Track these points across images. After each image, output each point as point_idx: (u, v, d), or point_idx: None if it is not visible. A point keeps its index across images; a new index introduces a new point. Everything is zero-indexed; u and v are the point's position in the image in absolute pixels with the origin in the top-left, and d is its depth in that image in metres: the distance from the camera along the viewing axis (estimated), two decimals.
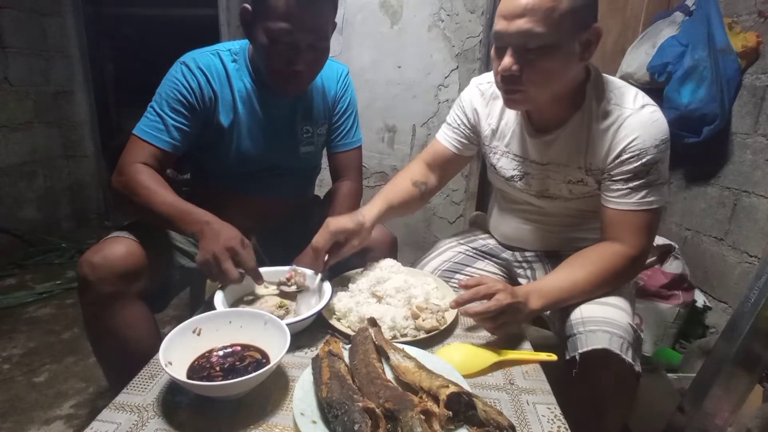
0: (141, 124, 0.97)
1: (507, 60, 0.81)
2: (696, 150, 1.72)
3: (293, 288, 0.90)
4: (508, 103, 0.91)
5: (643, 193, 0.86)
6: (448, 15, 2.14)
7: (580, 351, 0.80)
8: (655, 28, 1.82)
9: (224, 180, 1.11)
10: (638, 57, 1.81)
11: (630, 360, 0.78)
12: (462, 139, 1.11)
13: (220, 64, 1.02)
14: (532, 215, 1.08)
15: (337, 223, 0.91)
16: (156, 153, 0.96)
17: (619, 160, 0.86)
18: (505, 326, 0.82)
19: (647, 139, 0.84)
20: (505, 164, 1.04)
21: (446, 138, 1.13)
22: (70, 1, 2.59)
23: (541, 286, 0.87)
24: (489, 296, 0.80)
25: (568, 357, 0.83)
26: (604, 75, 0.92)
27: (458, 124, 1.11)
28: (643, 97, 0.88)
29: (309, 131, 1.13)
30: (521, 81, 0.82)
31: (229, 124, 1.03)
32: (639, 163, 0.84)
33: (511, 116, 1.02)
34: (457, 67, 2.20)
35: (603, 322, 0.82)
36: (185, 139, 0.99)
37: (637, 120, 0.85)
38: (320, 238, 0.90)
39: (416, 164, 1.16)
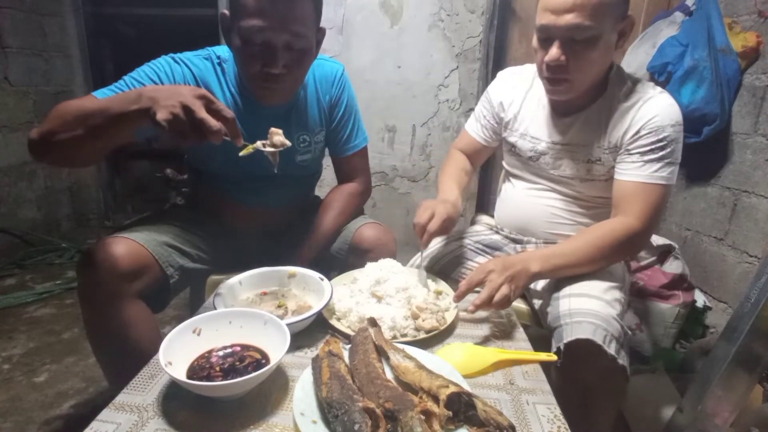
0: (103, 88, 0.88)
1: (555, 51, 0.88)
2: (696, 150, 1.72)
3: (270, 149, 0.83)
4: (553, 93, 0.97)
5: (657, 166, 0.91)
6: (448, 15, 2.14)
7: (564, 341, 0.81)
8: (655, 28, 1.82)
9: (220, 187, 1.09)
10: (638, 57, 1.81)
11: (612, 352, 0.79)
12: (488, 131, 1.19)
13: (212, 70, 0.99)
14: (543, 196, 1.10)
15: (446, 210, 0.96)
16: None
17: (638, 135, 0.92)
18: (512, 297, 0.84)
19: (665, 118, 0.91)
20: (523, 145, 1.10)
21: (474, 130, 1.21)
22: (70, 1, 2.58)
23: (541, 251, 0.92)
24: (483, 282, 0.83)
25: (554, 348, 0.84)
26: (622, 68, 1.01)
27: (483, 115, 1.19)
28: (659, 87, 0.97)
29: (306, 140, 1.09)
30: (568, 70, 0.90)
31: None
32: (656, 138, 0.90)
33: (533, 102, 1.08)
34: (457, 67, 2.20)
35: (589, 314, 0.84)
36: None
37: (656, 102, 0.92)
38: (433, 224, 0.93)
39: (457, 153, 1.24)
